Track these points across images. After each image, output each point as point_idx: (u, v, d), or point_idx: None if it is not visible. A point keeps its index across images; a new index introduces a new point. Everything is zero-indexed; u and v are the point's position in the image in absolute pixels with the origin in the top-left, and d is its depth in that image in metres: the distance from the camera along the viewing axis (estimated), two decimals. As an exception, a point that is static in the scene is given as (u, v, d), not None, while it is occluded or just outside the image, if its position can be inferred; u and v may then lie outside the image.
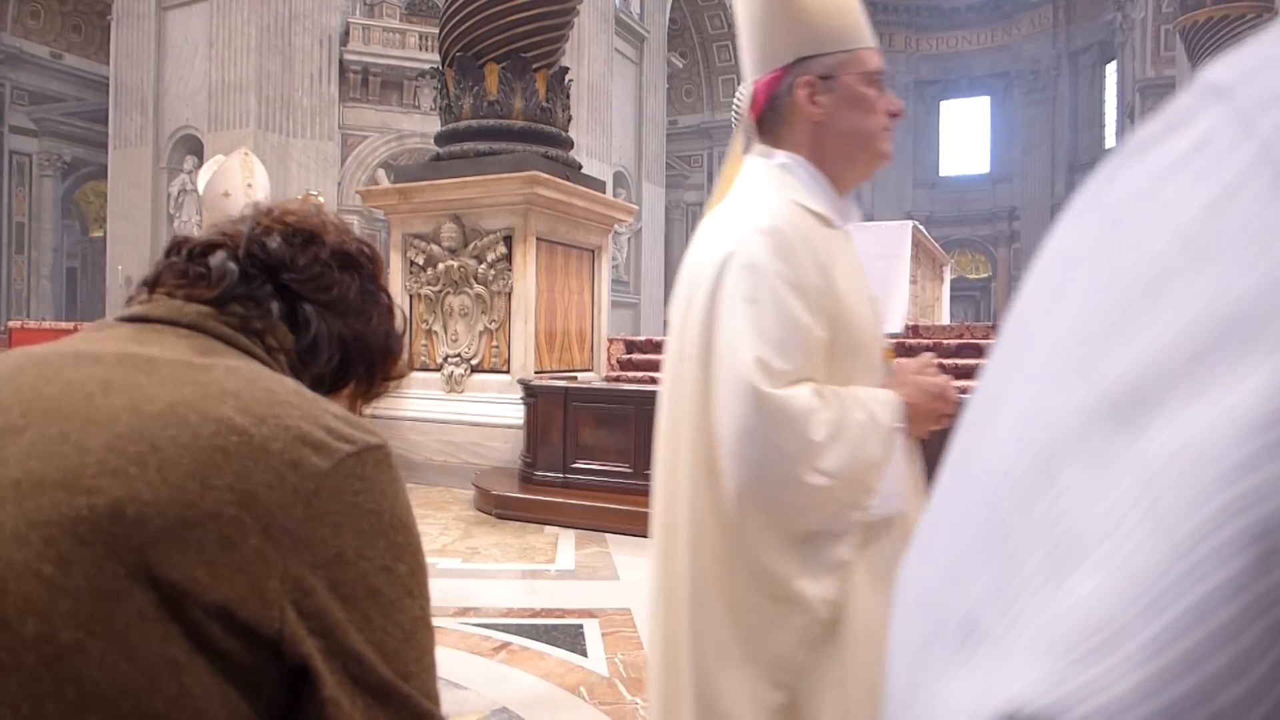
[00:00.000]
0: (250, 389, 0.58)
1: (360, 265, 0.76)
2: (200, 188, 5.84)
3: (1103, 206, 0.22)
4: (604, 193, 7.04)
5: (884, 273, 5.73)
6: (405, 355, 0.78)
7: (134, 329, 0.65)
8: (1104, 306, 0.21)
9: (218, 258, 0.69)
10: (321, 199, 3.02)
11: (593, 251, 6.95)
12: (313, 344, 0.70)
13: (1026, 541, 0.21)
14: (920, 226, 6.22)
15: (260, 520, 0.52)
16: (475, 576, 3.77)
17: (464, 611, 3.35)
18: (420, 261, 6.36)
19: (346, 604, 0.54)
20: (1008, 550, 0.22)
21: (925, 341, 5.45)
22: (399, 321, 0.78)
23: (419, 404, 6.17)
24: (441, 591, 3.08)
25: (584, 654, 3.01)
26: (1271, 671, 0.17)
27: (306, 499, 0.54)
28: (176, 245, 0.71)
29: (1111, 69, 22.81)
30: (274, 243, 0.71)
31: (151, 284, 0.69)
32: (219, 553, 0.51)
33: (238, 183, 5.21)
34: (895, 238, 5.90)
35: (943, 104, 20.26)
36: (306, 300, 0.70)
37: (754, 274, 1.09)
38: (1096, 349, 0.21)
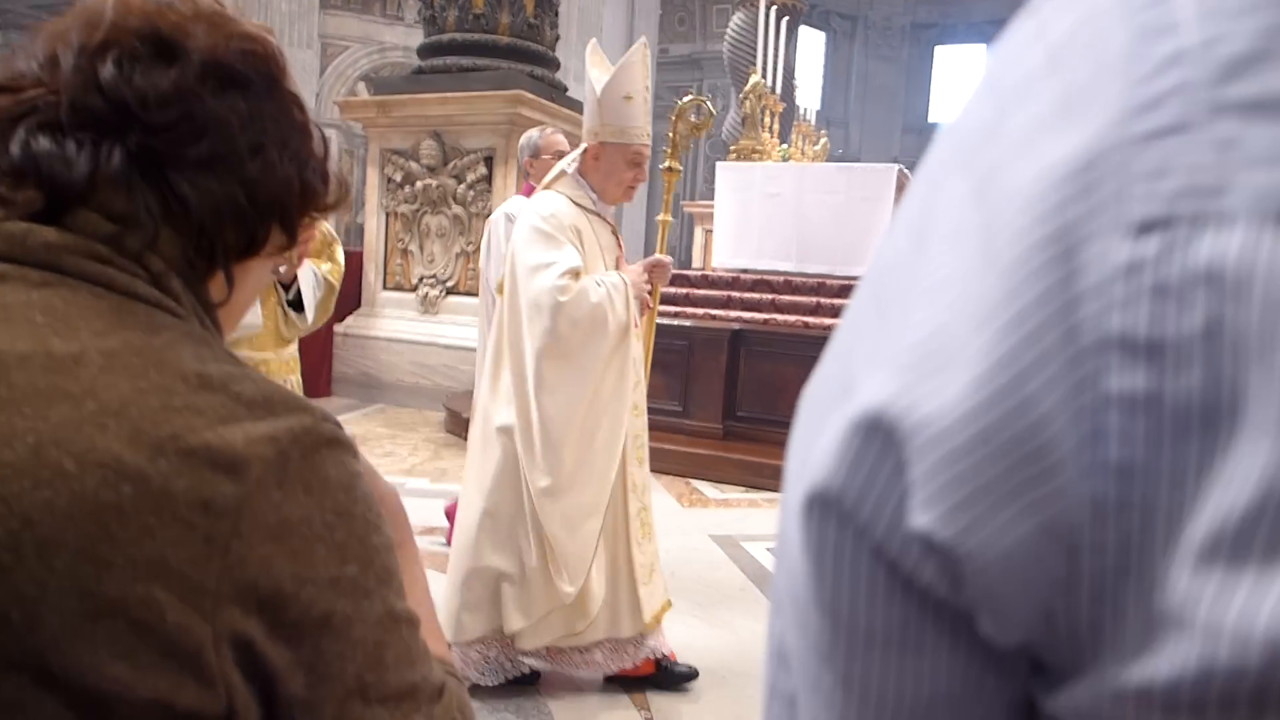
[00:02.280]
0: (138, 395, 0.45)
1: (247, 82, 0.54)
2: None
3: (1000, 53, 0.27)
4: (589, 118, 6.89)
5: (865, 216, 5.70)
6: (334, 181, 0.62)
7: None
8: (982, 117, 0.25)
9: (21, 136, 0.49)
10: None
11: (575, 178, 6.83)
12: (199, 231, 0.53)
13: (894, 304, 0.25)
14: (906, 171, 6.16)
15: (175, 590, 0.43)
16: (443, 497, 3.79)
17: (430, 531, 3.38)
18: (398, 179, 6.23)
19: (292, 644, 0.46)
20: (881, 316, 0.26)
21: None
22: (316, 143, 0.60)
23: (392, 324, 6.11)
24: (409, 511, 3.10)
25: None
26: (1065, 368, 0.21)
27: (224, 546, 0.44)
28: None
29: None
30: (108, 74, 0.49)
31: None
32: (135, 642, 0.42)
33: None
34: (878, 181, 5.84)
35: (937, 49, 19.96)
36: (173, 168, 0.51)
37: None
38: (976, 149, 0.25)
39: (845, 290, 5.48)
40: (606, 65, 2.24)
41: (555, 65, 6.70)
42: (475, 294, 6.37)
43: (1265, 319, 0.18)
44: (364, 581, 0.49)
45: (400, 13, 15.05)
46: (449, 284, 6.19)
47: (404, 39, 14.40)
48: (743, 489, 4.50)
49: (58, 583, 0.41)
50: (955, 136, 0.27)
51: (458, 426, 5.19)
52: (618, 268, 2.26)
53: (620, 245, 2.33)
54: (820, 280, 5.62)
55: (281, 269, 1.96)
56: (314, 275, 2.07)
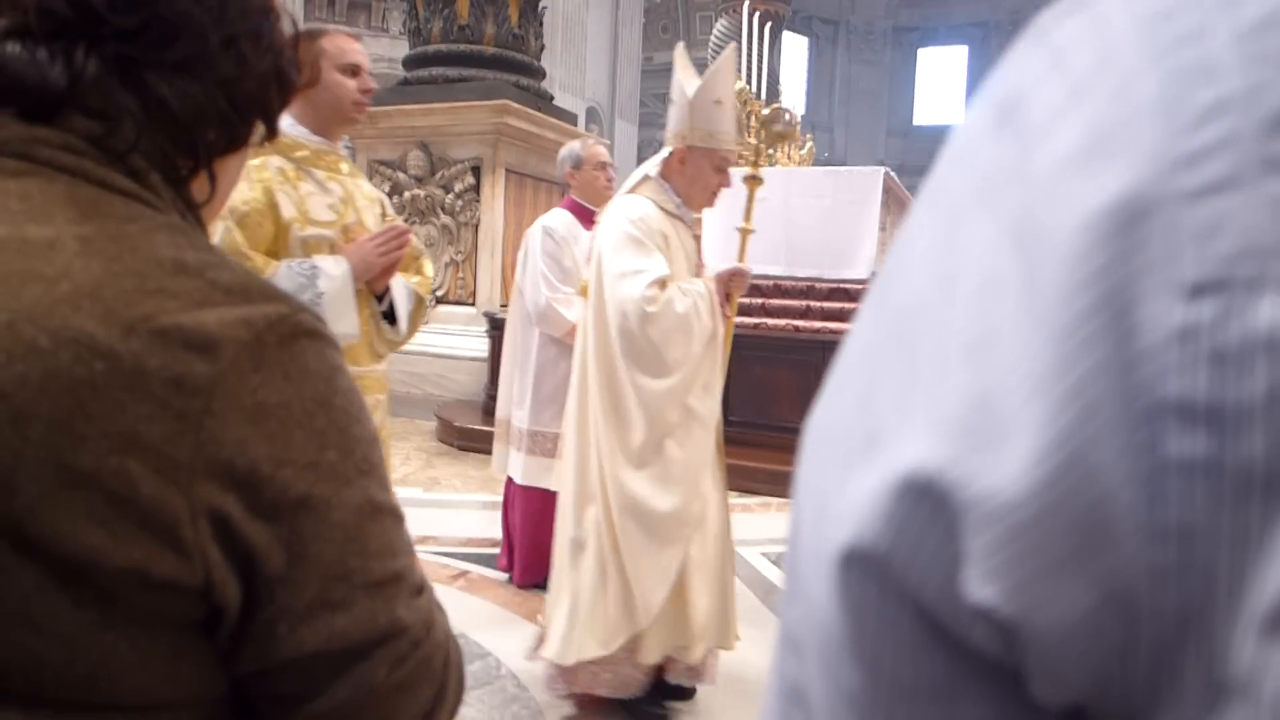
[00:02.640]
0: (112, 278, 0.45)
1: None
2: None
3: (1009, 81, 0.26)
4: (576, 126, 6.92)
5: (853, 219, 5.74)
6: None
7: None
8: (1007, 156, 0.24)
9: None
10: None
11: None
12: (182, 132, 0.53)
13: (924, 353, 0.24)
14: (892, 174, 6.19)
15: (150, 463, 0.44)
16: (436, 506, 3.79)
17: (424, 540, 3.38)
18: (386, 189, 6.23)
19: (271, 523, 0.47)
20: (909, 365, 0.25)
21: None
22: (285, 25, 0.60)
23: (382, 334, 6.10)
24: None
25: (541, 584, 3.06)
26: (1125, 436, 0.20)
27: (197, 423, 0.45)
28: None
29: None
30: None
31: None
32: (111, 512, 0.43)
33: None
34: (865, 184, 5.87)
35: (920, 52, 20.08)
36: (152, 72, 0.51)
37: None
38: (1000, 188, 0.24)
39: (835, 293, 5.51)
40: (693, 70, 2.21)
41: (541, 75, 6.72)
42: (466, 303, 6.37)
43: None
44: (343, 469, 0.50)
45: (385, 25, 15.05)
46: (439, 293, 6.19)
47: (389, 50, 14.39)
48: (736, 493, 4.50)
49: (33, 452, 0.42)
50: (970, 171, 0.26)
51: (449, 435, 5.19)
52: (698, 274, 2.23)
53: (700, 251, 2.31)
54: (809, 283, 5.64)
55: (376, 282, 1.87)
56: (405, 288, 1.95)
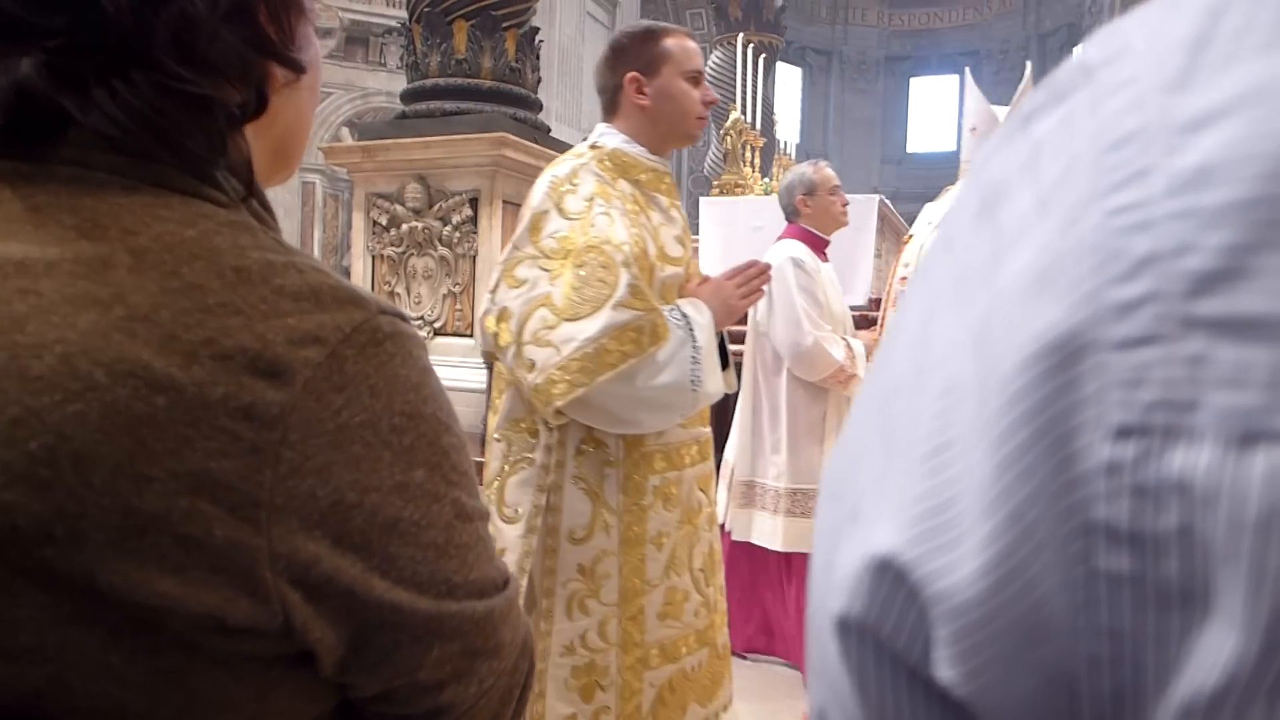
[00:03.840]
0: (168, 296, 0.42)
1: None
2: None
3: (994, 170, 0.27)
4: (572, 158, 6.97)
5: (849, 246, 5.77)
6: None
7: None
8: (981, 255, 0.26)
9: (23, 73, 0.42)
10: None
11: (560, 217, 6.89)
12: (199, 116, 0.47)
13: (897, 442, 0.27)
14: (886, 201, 6.25)
15: (222, 503, 0.41)
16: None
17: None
18: (383, 222, 6.25)
19: (362, 553, 0.44)
20: (886, 448, 0.27)
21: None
22: None
23: (380, 366, 6.10)
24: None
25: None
26: (1059, 549, 0.22)
27: (274, 456, 0.41)
28: None
29: (1079, 52, 22.96)
30: None
31: None
32: (183, 557, 0.41)
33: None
34: (861, 212, 5.91)
35: (912, 81, 20.31)
36: (144, 68, 0.45)
37: None
38: (974, 288, 0.26)
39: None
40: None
41: (538, 107, 6.78)
42: (464, 334, 6.37)
43: (1229, 534, 0.20)
44: (431, 486, 0.47)
45: (383, 59, 15.22)
46: (437, 325, 6.20)
47: (386, 84, 14.55)
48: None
49: (97, 499, 0.40)
50: (953, 260, 0.27)
51: (449, 468, 5.16)
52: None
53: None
54: (806, 311, 5.65)
55: None
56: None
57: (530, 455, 1.51)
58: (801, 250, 2.73)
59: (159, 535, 0.40)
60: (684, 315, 1.47)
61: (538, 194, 1.52)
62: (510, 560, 1.49)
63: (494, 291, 1.52)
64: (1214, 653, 0.20)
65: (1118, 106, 0.23)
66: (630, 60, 1.57)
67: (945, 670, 0.25)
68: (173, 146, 0.46)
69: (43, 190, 0.44)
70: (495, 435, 1.57)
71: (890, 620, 0.26)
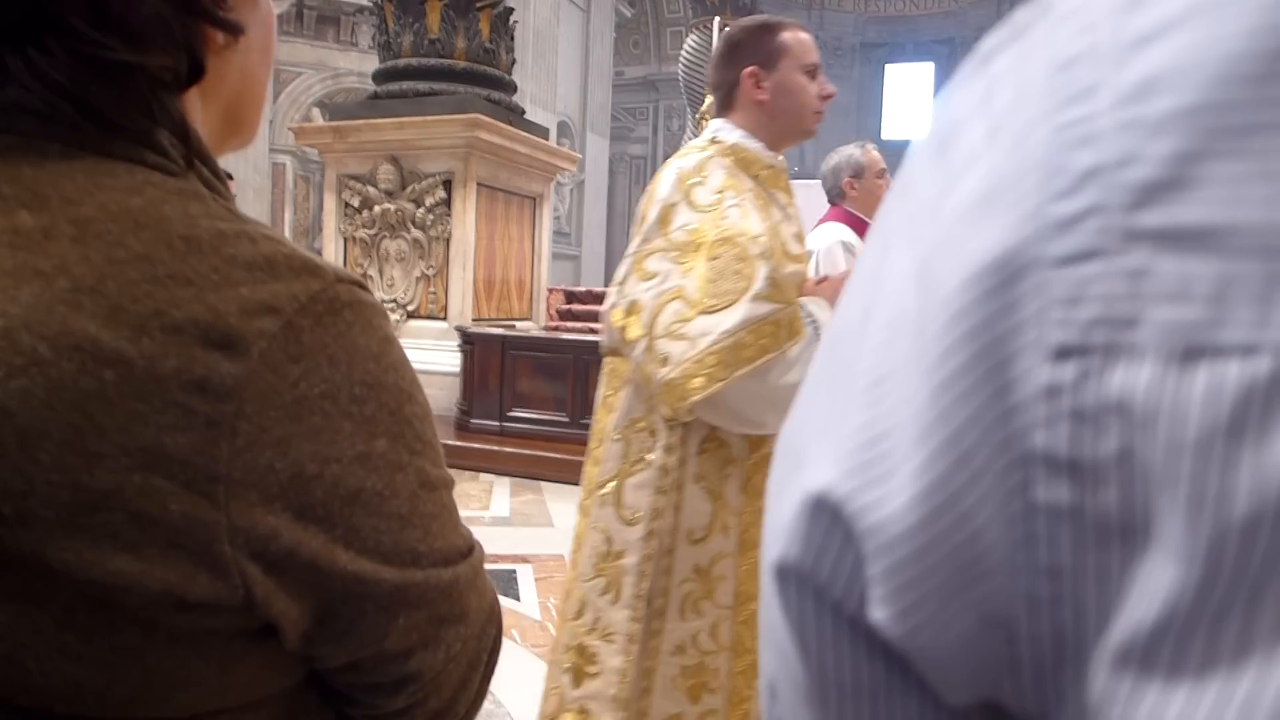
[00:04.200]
0: (115, 267, 0.40)
1: None
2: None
3: (952, 110, 0.27)
4: (547, 140, 6.94)
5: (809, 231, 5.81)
6: None
7: None
8: (932, 189, 0.25)
9: None
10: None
11: (534, 199, 6.86)
12: (123, 80, 0.44)
13: (840, 382, 0.26)
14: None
15: (177, 478, 0.40)
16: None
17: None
18: (356, 204, 6.19)
19: (324, 525, 0.43)
20: (830, 391, 0.27)
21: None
22: None
23: (353, 349, 6.05)
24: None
25: (516, 598, 3.04)
26: (996, 481, 0.22)
27: (231, 429, 0.40)
28: None
29: None
30: None
31: None
32: (137, 534, 0.39)
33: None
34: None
35: (887, 68, 20.36)
36: (67, 37, 0.42)
37: None
38: (922, 221, 0.25)
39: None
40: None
41: (512, 89, 6.73)
42: (437, 318, 6.34)
43: (1168, 457, 0.19)
44: (394, 455, 0.46)
45: (354, 38, 15.00)
46: (410, 308, 6.16)
47: (358, 64, 14.34)
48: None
49: (45, 476, 0.38)
50: (906, 200, 0.27)
51: (422, 451, 5.15)
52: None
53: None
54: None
55: None
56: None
57: (648, 456, 1.47)
58: (849, 234, 2.64)
59: (111, 512, 0.39)
60: (810, 313, 1.44)
61: (665, 185, 1.47)
62: (630, 562, 1.47)
63: (622, 284, 1.47)
64: (1153, 586, 0.19)
65: (1070, 30, 0.23)
66: (748, 54, 1.51)
67: (878, 611, 0.24)
68: (95, 118, 0.44)
69: None
70: (614, 435, 1.51)
71: (827, 564, 0.25)
